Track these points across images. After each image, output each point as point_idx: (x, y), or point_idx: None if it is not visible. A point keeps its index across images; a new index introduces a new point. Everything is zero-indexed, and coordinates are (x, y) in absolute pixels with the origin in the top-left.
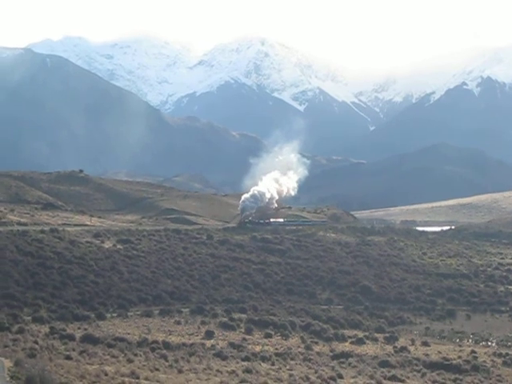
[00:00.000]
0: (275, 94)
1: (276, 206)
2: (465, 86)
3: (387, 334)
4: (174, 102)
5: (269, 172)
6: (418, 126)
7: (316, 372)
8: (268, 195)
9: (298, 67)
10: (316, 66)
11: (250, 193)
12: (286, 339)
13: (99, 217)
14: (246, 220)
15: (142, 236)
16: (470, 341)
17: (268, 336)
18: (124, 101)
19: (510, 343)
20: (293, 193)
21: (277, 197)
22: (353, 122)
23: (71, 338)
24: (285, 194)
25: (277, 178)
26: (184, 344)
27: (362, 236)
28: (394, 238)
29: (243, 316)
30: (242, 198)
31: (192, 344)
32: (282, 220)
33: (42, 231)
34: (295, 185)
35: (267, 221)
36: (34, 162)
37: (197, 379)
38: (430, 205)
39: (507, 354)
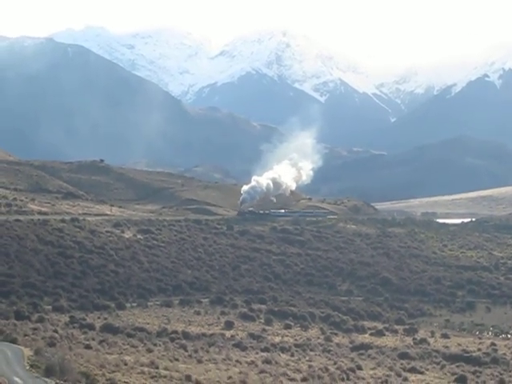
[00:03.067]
0: (296, 85)
1: (289, 194)
2: (486, 78)
3: (407, 326)
4: (195, 93)
5: (283, 159)
6: (440, 118)
7: (335, 363)
8: (267, 185)
9: (319, 58)
10: (337, 57)
11: (251, 183)
12: (305, 330)
13: (120, 206)
14: (246, 210)
15: (163, 226)
16: (490, 333)
17: (287, 327)
18: (145, 91)
19: None
20: (306, 181)
21: (293, 185)
22: (374, 114)
23: (91, 327)
24: (301, 180)
25: (294, 162)
26: (203, 334)
27: (383, 227)
28: (415, 230)
29: (263, 307)
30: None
31: (211, 334)
32: (282, 211)
33: (63, 220)
34: (310, 173)
35: (267, 211)
36: (54, 151)
37: (216, 369)
38: (450, 197)
39: None
